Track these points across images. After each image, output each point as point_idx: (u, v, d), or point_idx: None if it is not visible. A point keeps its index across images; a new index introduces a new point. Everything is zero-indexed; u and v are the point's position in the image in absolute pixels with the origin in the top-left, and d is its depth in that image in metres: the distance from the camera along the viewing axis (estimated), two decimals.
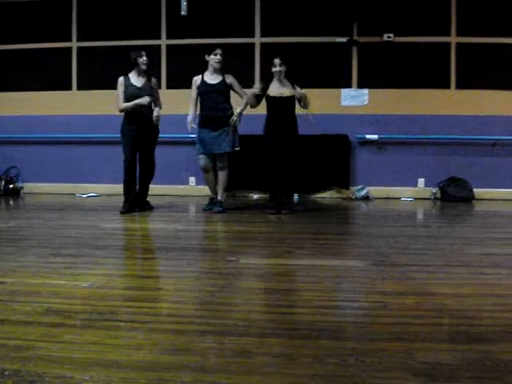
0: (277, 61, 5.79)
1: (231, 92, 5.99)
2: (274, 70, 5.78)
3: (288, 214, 5.69)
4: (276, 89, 5.77)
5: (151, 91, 5.88)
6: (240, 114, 5.90)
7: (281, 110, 5.75)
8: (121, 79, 5.88)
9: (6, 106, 8.43)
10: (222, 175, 5.95)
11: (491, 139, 7.73)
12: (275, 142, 5.70)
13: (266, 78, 5.99)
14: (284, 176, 5.78)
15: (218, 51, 5.91)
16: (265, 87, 5.85)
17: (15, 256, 3.38)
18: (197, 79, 5.94)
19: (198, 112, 5.99)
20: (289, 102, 5.76)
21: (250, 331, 2.02)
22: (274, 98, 5.73)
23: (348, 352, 1.78)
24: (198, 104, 5.98)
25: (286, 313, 2.25)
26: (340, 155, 7.88)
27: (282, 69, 5.78)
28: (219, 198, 5.98)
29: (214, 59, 5.87)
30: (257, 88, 5.85)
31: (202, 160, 5.93)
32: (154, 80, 5.99)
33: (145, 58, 5.82)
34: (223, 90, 5.89)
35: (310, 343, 1.86)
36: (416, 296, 2.49)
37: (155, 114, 5.86)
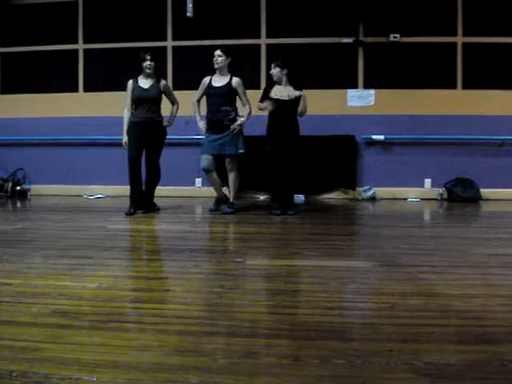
0: (273, 64, 5.85)
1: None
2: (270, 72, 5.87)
3: (293, 215, 5.70)
4: (277, 91, 5.77)
5: (157, 92, 5.89)
6: (241, 124, 5.88)
7: (280, 113, 5.74)
8: (129, 82, 5.92)
9: (12, 108, 8.48)
10: (230, 177, 5.98)
11: (498, 139, 7.71)
12: (277, 146, 5.71)
13: (270, 80, 6.00)
14: (286, 179, 5.78)
15: (216, 52, 5.90)
16: (266, 89, 5.87)
17: (22, 257, 3.39)
18: (206, 80, 5.95)
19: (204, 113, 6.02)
20: (288, 105, 5.73)
21: (257, 332, 2.02)
22: (274, 100, 5.73)
23: (355, 353, 1.78)
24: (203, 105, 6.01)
25: (292, 314, 2.25)
26: (346, 156, 7.88)
27: (276, 71, 5.80)
28: (230, 199, 6.01)
29: (213, 61, 5.90)
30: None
31: (203, 161, 5.95)
32: (163, 82, 5.98)
33: (148, 62, 5.82)
34: (225, 93, 5.85)
35: (317, 344, 1.86)
36: (423, 297, 2.48)
37: (168, 121, 6.00)
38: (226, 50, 5.95)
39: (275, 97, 5.73)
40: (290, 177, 5.81)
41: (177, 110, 6.11)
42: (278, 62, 5.82)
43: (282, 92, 5.75)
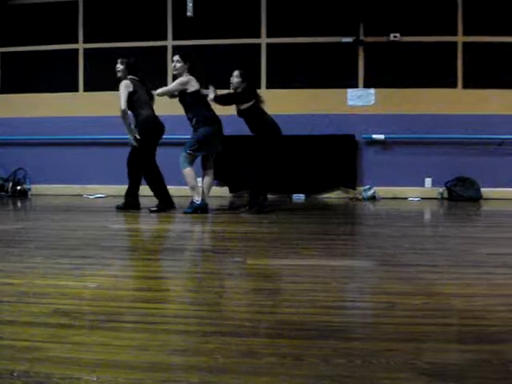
0: (235, 73, 5.92)
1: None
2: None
3: (249, 213, 5.86)
4: None
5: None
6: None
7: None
8: None
9: (13, 107, 8.48)
10: None
11: (498, 138, 7.71)
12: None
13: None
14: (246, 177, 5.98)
15: (174, 57, 5.93)
16: None
17: (23, 257, 3.39)
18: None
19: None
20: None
21: (257, 332, 2.02)
22: None
23: (355, 352, 1.78)
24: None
25: (292, 313, 2.25)
26: (347, 155, 7.88)
27: (235, 81, 5.87)
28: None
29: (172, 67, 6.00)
30: None
31: None
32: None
33: (117, 65, 6.08)
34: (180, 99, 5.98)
35: (318, 344, 1.86)
36: (423, 296, 2.48)
37: None
38: (184, 55, 5.93)
39: None
40: (248, 175, 5.90)
41: (122, 120, 5.99)
42: (240, 72, 5.89)
43: None
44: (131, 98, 5.91)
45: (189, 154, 5.84)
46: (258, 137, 5.87)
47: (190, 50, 6.28)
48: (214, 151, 6.04)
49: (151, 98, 6.16)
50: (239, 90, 5.83)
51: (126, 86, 5.90)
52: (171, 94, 5.95)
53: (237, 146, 6.09)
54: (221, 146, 6.06)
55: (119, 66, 6.07)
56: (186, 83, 5.79)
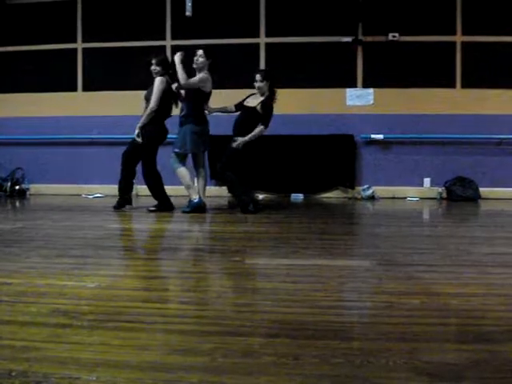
0: (257, 76, 5.92)
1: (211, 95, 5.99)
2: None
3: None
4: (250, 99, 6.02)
5: (146, 93, 5.96)
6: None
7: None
8: None
9: (11, 107, 8.46)
10: None
11: (497, 138, 7.71)
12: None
13: None
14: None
15: (198, 52, 5.82)
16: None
17: (21, 257, 3.39)
18: None
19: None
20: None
21: (256, 331, 2.02)
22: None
23: (354, 352, 1.78)
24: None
25: (291, 313, 2.25)
26: (345, 155, 7.87)
27: (261, 84, 5.90)
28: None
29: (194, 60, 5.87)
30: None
31: None
32: (156, 79, 5.91)
33: (152, 67, 5.88)
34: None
35: (317, 343, 1.86)
36: (422, 296, 2.48)
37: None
38: (208, 51, 5.85)
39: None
40: (226, 177, 5.98)
41: (147, 115, 5.85)
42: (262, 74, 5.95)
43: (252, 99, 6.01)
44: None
45: (176, 153, 5.84)
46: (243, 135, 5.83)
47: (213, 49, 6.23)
48: (200, 150, 6.00)
49: (173, 96, 6.04)
50: (265, 92, 5.89)
51: (161, 82, 5.80)
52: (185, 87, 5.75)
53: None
54: (206, 146, 6.04)
55: (156, 68, 5.86)
56: (205, 80, 5.74)
